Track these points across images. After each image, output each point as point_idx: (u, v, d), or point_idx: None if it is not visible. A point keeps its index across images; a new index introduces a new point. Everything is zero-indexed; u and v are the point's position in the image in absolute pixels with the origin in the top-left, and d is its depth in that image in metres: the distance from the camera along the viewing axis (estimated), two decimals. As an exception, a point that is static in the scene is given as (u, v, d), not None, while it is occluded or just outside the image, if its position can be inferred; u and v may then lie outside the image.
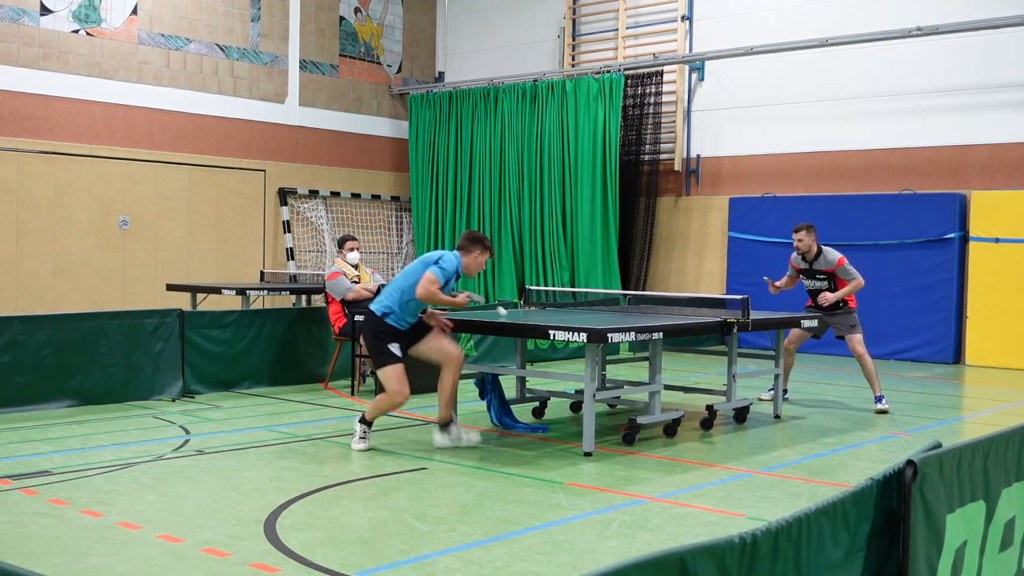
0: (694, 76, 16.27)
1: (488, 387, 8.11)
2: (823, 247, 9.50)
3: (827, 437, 8.09)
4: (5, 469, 6.41)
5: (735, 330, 7.99)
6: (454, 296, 7.31)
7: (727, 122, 15.97)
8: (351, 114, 17.75)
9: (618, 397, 8.78)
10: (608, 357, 9.57)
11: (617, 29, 17.04)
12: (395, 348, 7.14)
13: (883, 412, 9.26)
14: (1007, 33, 13.32)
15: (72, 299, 14.01)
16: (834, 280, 9.40)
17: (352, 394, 9.97)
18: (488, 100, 17.41)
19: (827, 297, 9.34)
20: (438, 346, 7.33)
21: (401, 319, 7.16)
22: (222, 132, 15.89)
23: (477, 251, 7.34)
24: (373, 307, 7.27)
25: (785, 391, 9.67)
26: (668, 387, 8.87)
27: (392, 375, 7.09)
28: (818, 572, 2.62)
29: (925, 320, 13.88)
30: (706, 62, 16.00)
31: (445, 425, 7.35)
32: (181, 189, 15.37)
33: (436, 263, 7.15)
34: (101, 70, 14.44)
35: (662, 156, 16.40)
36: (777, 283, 9.76)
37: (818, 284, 9.47)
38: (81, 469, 6.43)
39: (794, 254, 9.64)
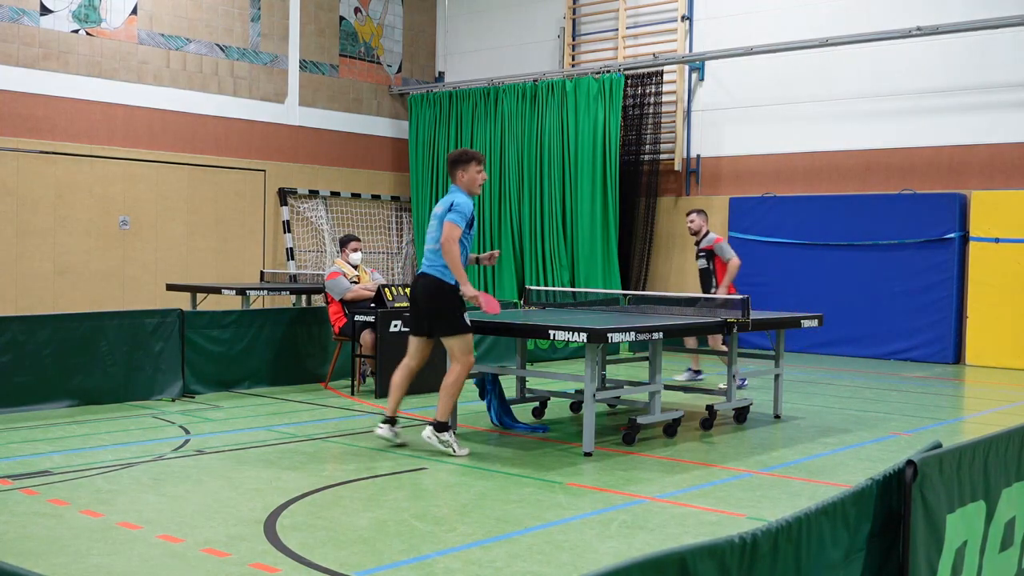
0: (694, 76, 16.27)
1: (488, 387, 8.11)
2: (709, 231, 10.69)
3: (827, 437, 8.09)
4: (5, 469, 6.41)
5: (735, 330, 8.00)
6: (477, 258, 7.33)
7: (727, 122, 15.97)
8: (351, 114, 17.75)
9: (618, 397, 8.78)
10: (608, 357, 9.57)
11: (617, 29, 17.03)
12: (466, 316, 7.14)
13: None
14: (1007, 33, 13.31)
15: (72, 299, 14.01)
16: (712, 259, 10.39)
17: (352, 394, 9.97)
18: (488, 100, 17.41)
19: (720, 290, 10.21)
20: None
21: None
22: (222, 132, 15.89)
23: (471, 168, 7.06)
24: (440, 275, 6.95)
25: (699, 372, 10.99)
26: (668, 387, 8.87)
27: (470, 342, 7.06)
28: (818, 572, 2.62)
29: (925, 320, 13.88)
30: (706, 62, 15.99)
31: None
32: (181, 189, 15.37)
33: (451, 209, 6.86)
34: (101, 70, 14.44)
35: (662, 156, 16.39)
36: None
37: (701, 263, 10.51)
38: (81, 469, 6.43)
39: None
